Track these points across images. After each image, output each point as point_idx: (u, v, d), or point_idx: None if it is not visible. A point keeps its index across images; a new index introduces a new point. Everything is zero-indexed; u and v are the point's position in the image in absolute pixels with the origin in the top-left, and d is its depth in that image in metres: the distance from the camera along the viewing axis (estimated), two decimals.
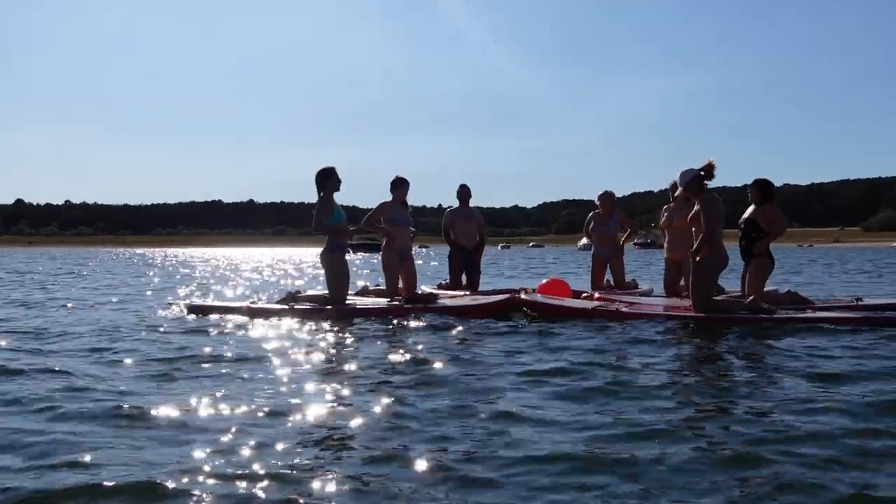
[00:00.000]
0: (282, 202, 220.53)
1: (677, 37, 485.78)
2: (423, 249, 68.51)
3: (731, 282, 9.23)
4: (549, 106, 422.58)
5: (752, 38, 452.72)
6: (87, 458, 2.78)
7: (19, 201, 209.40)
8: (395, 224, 8.29)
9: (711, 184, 6.88)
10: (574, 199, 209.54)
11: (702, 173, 6.82)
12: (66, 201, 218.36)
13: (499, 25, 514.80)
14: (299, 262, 34.60)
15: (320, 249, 7.76)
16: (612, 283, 9.44)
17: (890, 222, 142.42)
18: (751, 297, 6.88)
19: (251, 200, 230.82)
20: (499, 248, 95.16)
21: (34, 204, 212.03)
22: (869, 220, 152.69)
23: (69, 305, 9.25)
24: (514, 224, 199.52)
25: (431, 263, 28.02)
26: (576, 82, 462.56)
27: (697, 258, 6.75)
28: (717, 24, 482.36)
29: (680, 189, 7.00)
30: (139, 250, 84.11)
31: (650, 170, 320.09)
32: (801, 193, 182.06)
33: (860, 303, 7.56)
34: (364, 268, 23.09)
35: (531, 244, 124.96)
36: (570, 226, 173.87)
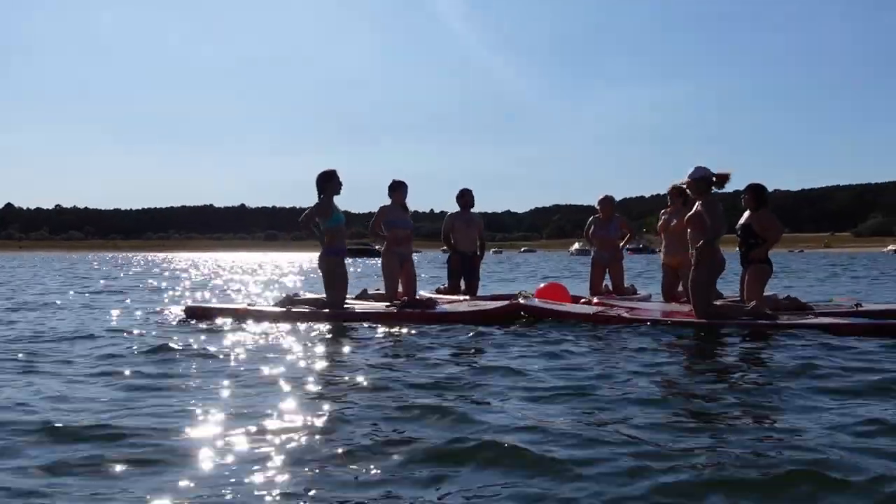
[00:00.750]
0: (273, 207, 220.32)
1: (669, 43, 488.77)
2: (414, 255, 68.29)
3: (729, 286, 9.22)
4: (543, 110, 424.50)
5: (742, 46, 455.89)
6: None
7: (9, 205, 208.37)
8: (394, 227, 8.22)
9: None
10: (565, 205, 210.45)
11: (714, 178, 6.78)
12: (57, 205, 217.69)
13: (497, 29, 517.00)
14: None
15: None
16: (610, 287, 9.39)
17: (880, 227, 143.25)
18: (752, 303, 6.84)
19: (243, 205, 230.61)
20: (490, 252, 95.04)
21: (24, 208, 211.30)
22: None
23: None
24: (506, 229, 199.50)
25: (423, 268, 27.91)
26: (570, 87, 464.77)
27: (698, 258, 6.69)
28: (710, 31, 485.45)
29: (687, 179, 6.88)
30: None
31: (642, 175, 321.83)
32: (791, 199, 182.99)
33: (860, 308, 7.54)
34: (363, 272, 22.98)
35: (523, 249, 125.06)
36: (561, 231, 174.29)
